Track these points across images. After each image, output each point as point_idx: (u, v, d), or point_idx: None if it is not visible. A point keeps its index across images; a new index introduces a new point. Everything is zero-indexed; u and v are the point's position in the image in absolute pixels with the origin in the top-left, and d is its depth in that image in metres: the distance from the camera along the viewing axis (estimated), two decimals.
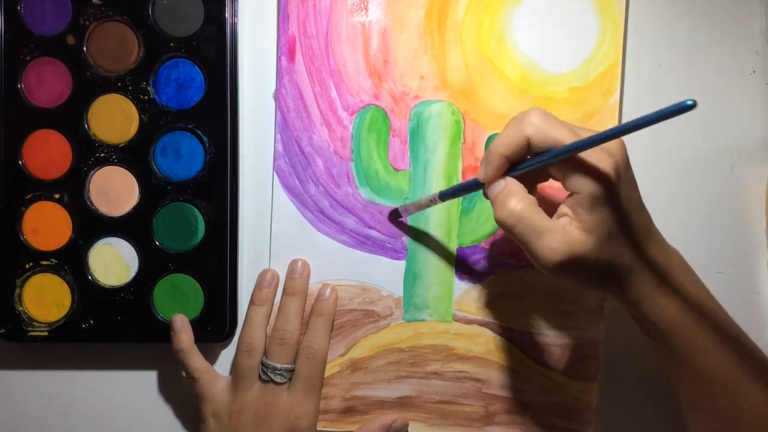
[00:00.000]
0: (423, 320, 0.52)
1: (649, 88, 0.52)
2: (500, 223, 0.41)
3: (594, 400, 0.51)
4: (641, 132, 0.51)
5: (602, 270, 0.41)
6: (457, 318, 0.52)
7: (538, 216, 0.40)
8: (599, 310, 0.51)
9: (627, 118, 0.52)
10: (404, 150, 0.51)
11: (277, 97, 0.51)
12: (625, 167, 0.40)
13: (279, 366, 0.49)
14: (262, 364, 0.50)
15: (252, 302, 0.52)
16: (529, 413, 0.52)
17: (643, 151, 0.52)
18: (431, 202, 0.48)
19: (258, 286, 0.52)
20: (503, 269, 0.52)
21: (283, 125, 0.52)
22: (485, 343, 0.52)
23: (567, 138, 0.39)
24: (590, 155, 0.39)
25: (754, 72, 0.52)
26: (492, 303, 0.52)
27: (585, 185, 0.39)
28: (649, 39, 0.52)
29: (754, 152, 0.52)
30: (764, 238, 0.52)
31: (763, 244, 0.52)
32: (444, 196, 0.47)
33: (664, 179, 0.52)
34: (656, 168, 0.52)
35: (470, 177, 0.51)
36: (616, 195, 0.39)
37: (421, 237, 0.52)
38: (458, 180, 0.51)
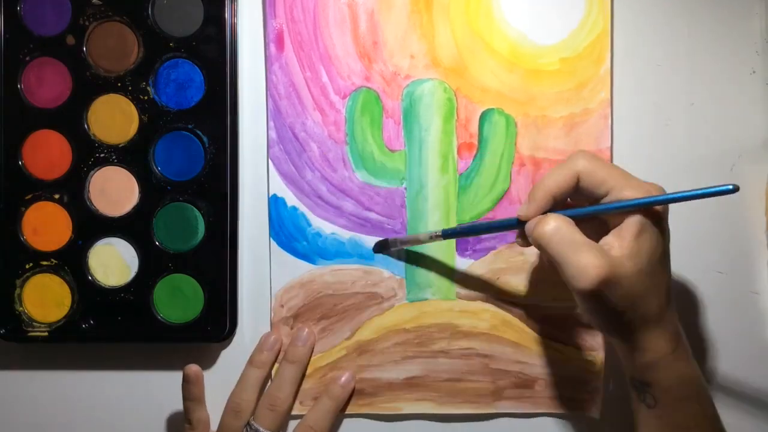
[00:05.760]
0: (426, 299, 0.52)
1: (649, 88, 0.52)
2: (537, 241, 0.41)
3: (601, 370, 0.52)
4: (641, 132, 0.52)
5: (634, 304, 0.40)
6: (461, 295, 0.52)
7: (578, 233, 0.40)
8: None
9: (624, 118, 0.52)
10: (398, 130, 0.52)
11: (268, 84, 0.51)
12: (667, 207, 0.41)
13: (264, 431, 0.49)
14: (248, 425, 0.50)
15: (250, 362, 0.51)
16: (537, 386, 0.52)
17: (643, 152, 0.52)
18: (431, 239, 0.47)
19: (259, 348, 0.52)
20: (503, 244, 0.52)
21: (276, 112, 0.52)
22: (490, 318, 0.52)
23: (614, 179, 0.40)
24: (641, 186, 0.40)
25: (754, 72, 0.52)
26: (494, 278, 0.52)
27: (634, 211, 0.39)
28: (648, 39, 0.52)
29: (754, 152, 0.52)
30: (764, 238, 0.52)
31: (763, 244, 0.52)
32: (448, 234, 0.46)
33: (664, 179, 0.52)
34: (656, 168, 0.52)
35: (465, 154, 0.51)
36: (663, 227, 0.40)
37: (420, 216, 0.52)
38: (453, 158, 0.51)
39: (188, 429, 0.51)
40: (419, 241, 0.49)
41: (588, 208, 0.42)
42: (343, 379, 0.52)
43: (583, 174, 0.41)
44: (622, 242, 0.39)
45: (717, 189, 0.36)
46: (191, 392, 0.51)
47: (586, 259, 0.38)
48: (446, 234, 0.47)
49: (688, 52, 0.52)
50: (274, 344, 0.52)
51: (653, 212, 0.40)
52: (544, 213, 0.42)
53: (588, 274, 0.38)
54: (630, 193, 0.40)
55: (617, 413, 0.52)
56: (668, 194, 0.40)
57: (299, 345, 0.51)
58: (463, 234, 0.47)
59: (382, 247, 0.51)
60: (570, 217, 0.41)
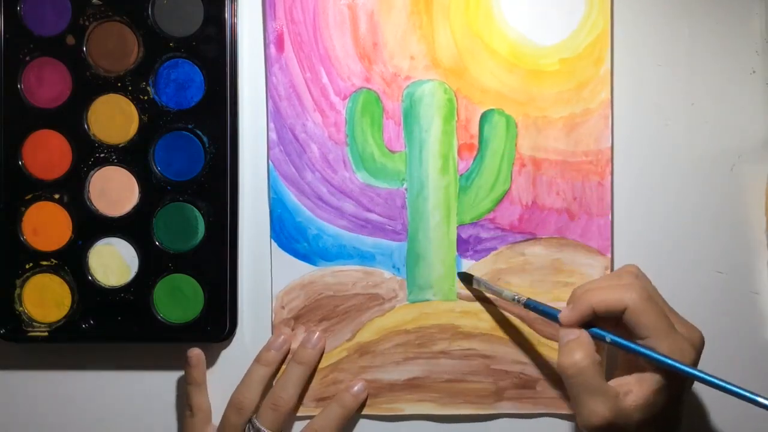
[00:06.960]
0: (427, 300, 0.52)
1: (649, 88, 0.52)
2: (560, 369, 0.43)
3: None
4: (642, 132, 0.52)
5: None
6: (462, 296, 0.52)
7: (598, 377, 0.42)
8: None
9: (623, 117, 0.52)
10: (399, 131, 0.52)
11: (268, 85, 0.52)
12: (697, 364, 0.43)
13: (265, 430, 0.49)
14: (250, 422, 0.50)
15: (256, 360, 0.51)
16: (538, 387, 0.52)
17: (643, 152, 0.52)
18: (514, 301, 0.48)
19: (267, 346, 0.51)
20: (504, 244, 0.52)
21: (276, 113, 0.52)
22: (491, 319, 0.52)
23: (656, 329, 0.41)
24: (678, 343, 0.42)
25: (754, 72, 0.52)
26: (495, 279, 0.52)
27: (665, 368, 0.41)
28: (649, 39, 0.52)
29: (754, 152, 0.52)
30: (764, 238, 0.52)
31: (763, 244, 0.52)
32: (528, 306, 0.48)
33: (665, 179, 0.52)
34: (657, 168, 0.52)
35: (465, 155, 0.51)
36: (683, 390, 0.42)
37: (420, 217, 0.52)
38: (454, 159, 0.51)
39: (188, 416, 0.51)
40: (500, 296, 0.50)
41: (621, 342, 0.43)
42: (355, 388, 0.51)
43: (629, 310, 0.42)
44: (640, 391, 0.41)
45: (755, 398, 0.38)
46: (192, 376, 0.51)
47: (594, 407, 0.41)
48: (527, 305, 0.48)
49: (688, 52, 0.52)
50: (283, 344, 0.51)
51: (679, 376, 0.41)
52: (583, 324, 0.44)
53: (591, 421, 0.42)
54: (665, 349, 0.41)
55: None
56: (699, 371, 0.41)
57: (309, 347, 0.51)
58: (538, 312, 0.48)
59: (465, 280, 0.52)
60: (601, 339, 0.43)
